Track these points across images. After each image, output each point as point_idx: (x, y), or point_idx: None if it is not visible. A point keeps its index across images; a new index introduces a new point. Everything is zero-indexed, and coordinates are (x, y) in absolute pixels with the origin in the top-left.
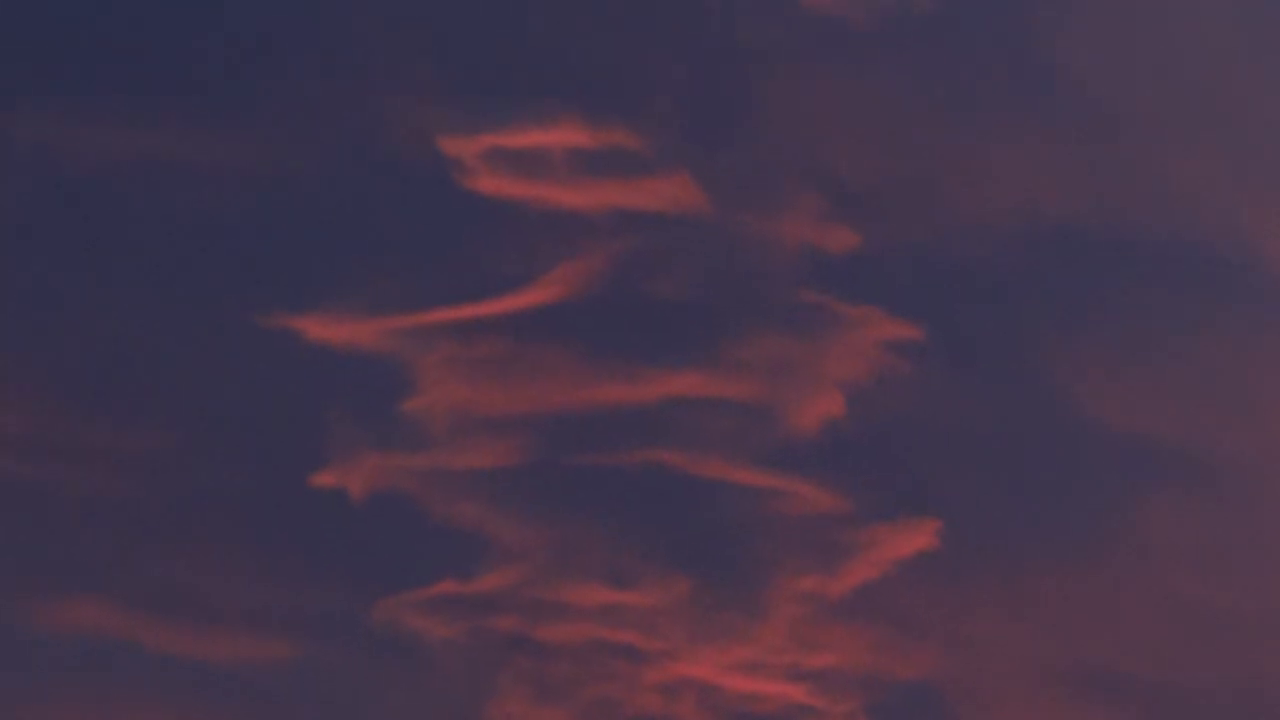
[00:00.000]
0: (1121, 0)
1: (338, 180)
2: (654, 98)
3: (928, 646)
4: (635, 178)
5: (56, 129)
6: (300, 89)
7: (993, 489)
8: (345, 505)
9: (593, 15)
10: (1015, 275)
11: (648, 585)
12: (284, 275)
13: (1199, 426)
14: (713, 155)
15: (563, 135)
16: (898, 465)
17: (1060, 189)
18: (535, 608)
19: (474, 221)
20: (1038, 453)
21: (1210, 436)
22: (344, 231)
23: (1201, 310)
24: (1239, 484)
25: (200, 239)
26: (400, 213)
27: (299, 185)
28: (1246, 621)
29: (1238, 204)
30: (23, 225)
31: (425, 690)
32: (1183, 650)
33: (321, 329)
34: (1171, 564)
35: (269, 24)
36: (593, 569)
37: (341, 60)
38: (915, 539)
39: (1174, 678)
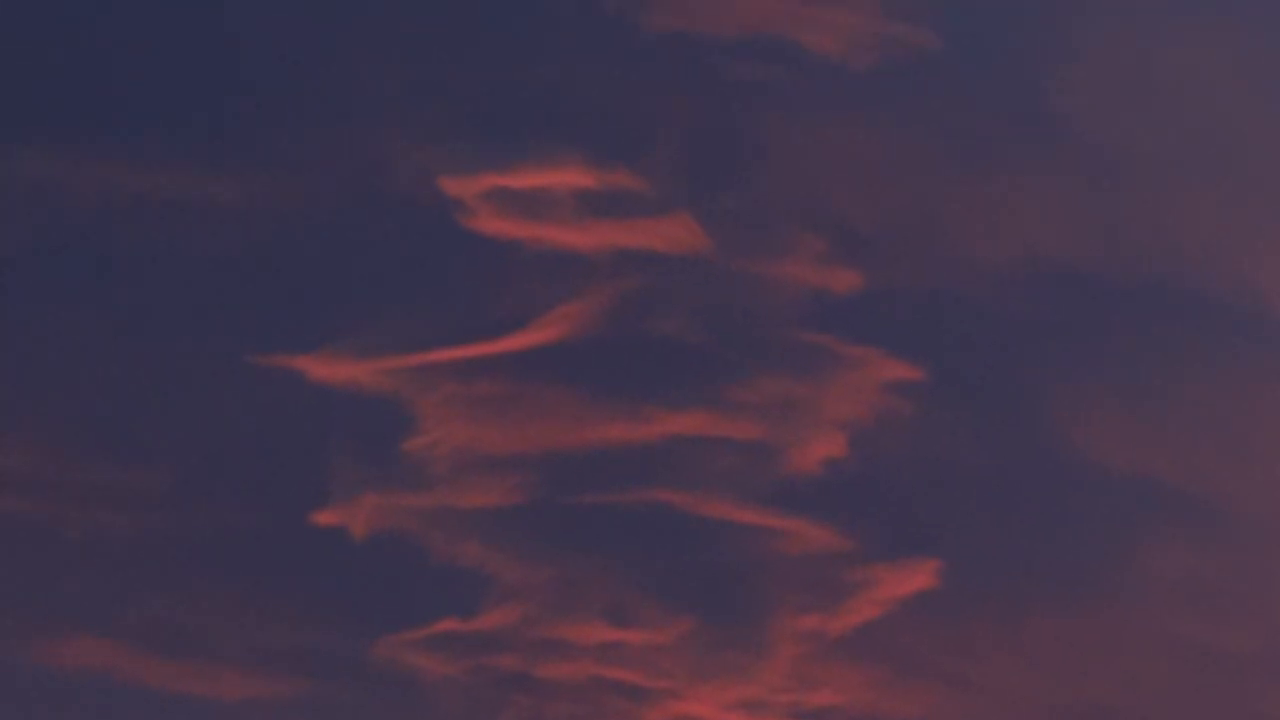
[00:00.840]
0: (1128, 45)
1: (339, 220)
2: (656, 139)
3: (928, 685)
4: (637, 218)
5: (57, 168)
6: (301, 128)
7: (994, 529)
8: (346, 544)
9: (596, 58)
10: (1017, 317)
11: (649, 623)
12: (285, 315)
13: (1200, 469)
14: (715, 196)
15: (565, 176)
16: (899, 505)
17: (1063, 232)
18: (536, 646)
19: (475, 261)
20: (1039, 493)
21: (1211, 479)
22: (345, 271)
23: (1204, 354)
24: (1240, 526)
25: (201, 279)
26: (401, 252)
27: (299, 225)
28: (1248, 663)
29: (1241, 249)
30: (22, 263)
31: None
32: (1184, 691)
33: (322, 369)
34: (1172, 605)
35: (270, 64)
36: (594, 607)
37: (343, 100)
38: (916, 578)
39: (1174, 717)
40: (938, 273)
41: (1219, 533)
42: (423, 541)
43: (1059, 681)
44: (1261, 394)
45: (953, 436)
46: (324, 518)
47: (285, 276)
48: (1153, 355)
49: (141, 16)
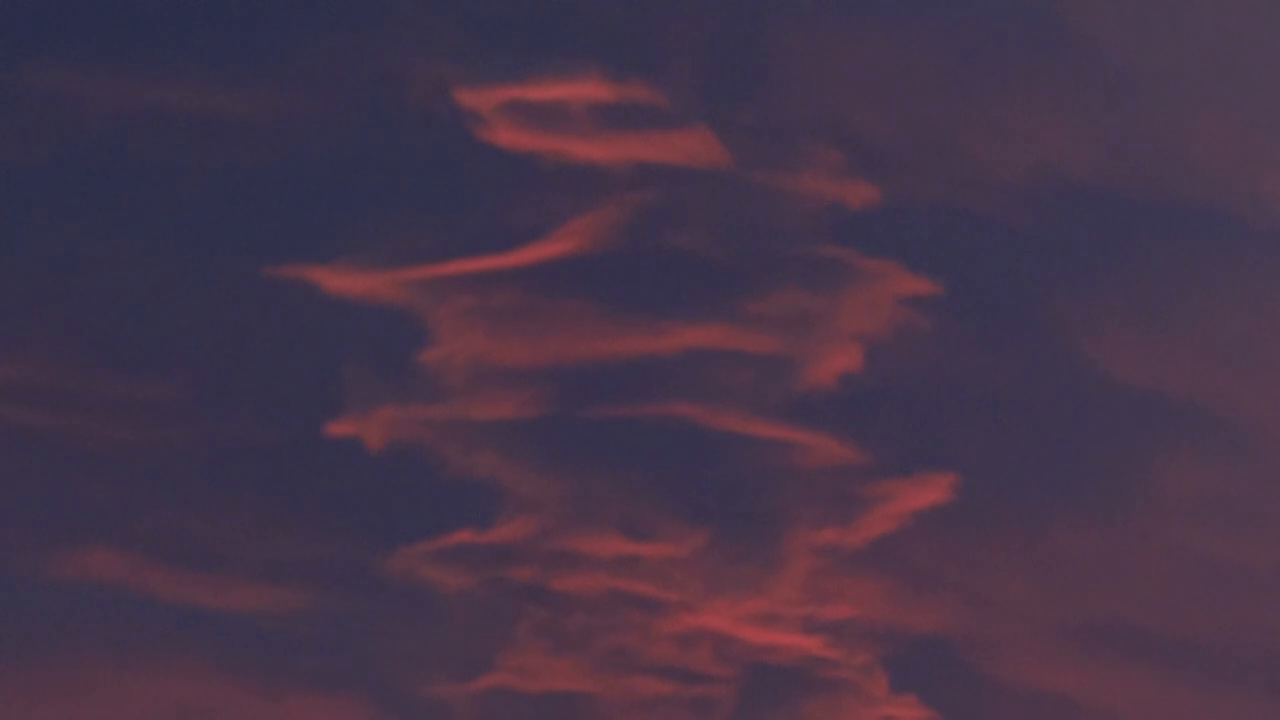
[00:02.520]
0: None
1: (355, 132)
2: (674, 52)
3: (943, 599)
4: (655, 131)
5: (71, 82)
6: (318, 41)
7: (1008, 443)
8: (361, 456)
9: None
10: (1034, 232)
11: (664, 537)
12: (301, 227)
13: (1214, 383)
14: (733, 110)
15: (582, 89)
16: (914, 419)
17: (1079, 147)
18: (551, 559)
19: (492, 174)
20: (1053, 408)
21: (1225, 393)
22: (361, 183)
23: (1218, 268)
24: (1253, 439)
25: (216, 191)
26: (417, 164)
27: (316, 137)
28: (1260, 575)
29: (1255, 164)
30: (37, 178)
31: (441, 640)
32: (1196, 604)
33: (338, 280)
34: (1185, 518)
35: None
36: (609, 520)
37: (359, 12)
38: (931, 492)
39: (1187, 631)
40: (954, 187)
41: (1233, 447)
42: (438, 453)
43: (1073, 595)
44: (1276, 309)
45: (968, 351)
46: (338, 429)
47: (300, 188)
48: (1168, 271)
49: None
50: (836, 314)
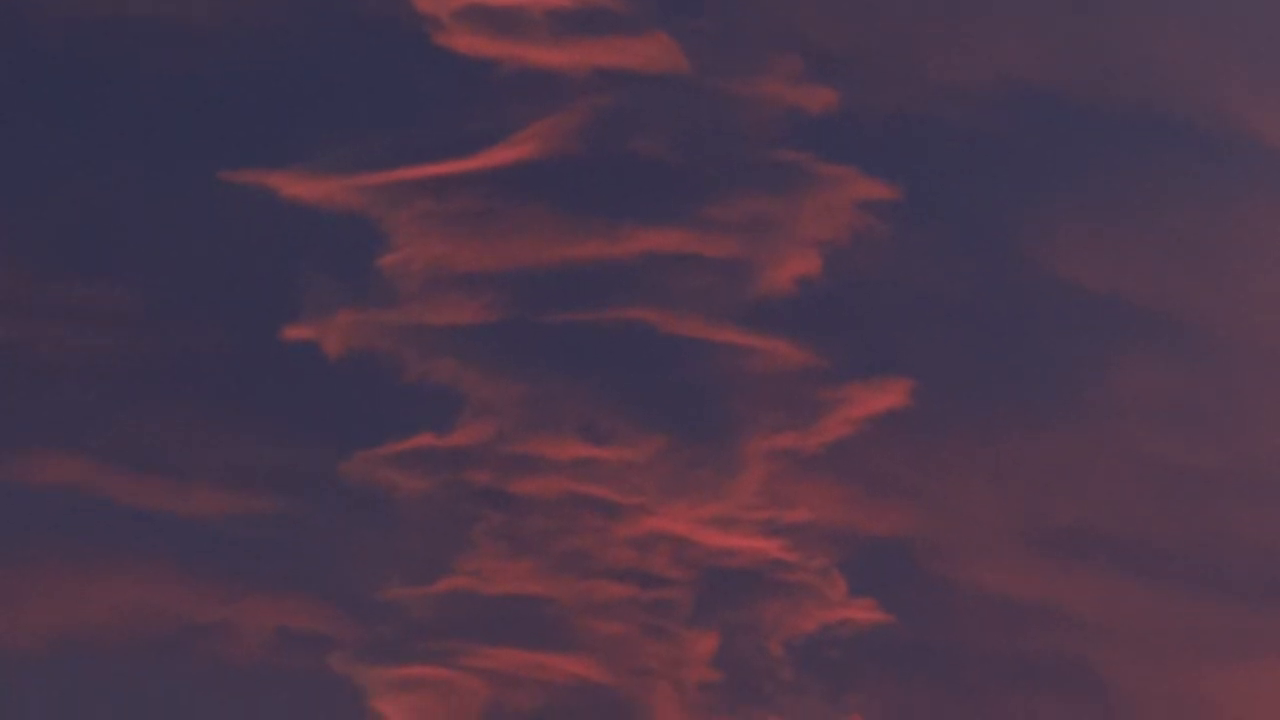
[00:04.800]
0: None
1: (312, 37)
2: None
3: (900, 503)
4: (613, 37)
5: None
6: None
7: (966, 348)
8: (320, 361)
9: None
10: (991, 138)
11: (622, 441)
12: (258, 132)
13: (1171, 289)
14: (691, 15)
15: None
16: (872, 324)
17: (1039, 55)
18: (510, 462)
19: (449, 79)
20: (1011, 313)
21: (1180, 298)
22: (319, 89)
23: (1176, 176)
24: (1208, 344)
25: (174, 97)
26: (376, 70)
27: (272, 42)
28: (1215, 479)
29: (1213, 71)
30: None
31: (399, 543)
32: (1152, 507)
33: (295, 186)
34: (1143, 423)
35: None
36: (567, 424)
37: None
38: (888, 397)
39: (1143, 534)
40: (912, 93)
41: (1190, 351)
42: (396, 358)
43: (1029, 499)
44: (1233, 215)
45: (925, 256)
46: (296, 334)
47: (258, 94)
48: (1125, 177)
49: None
50: (794, 219)
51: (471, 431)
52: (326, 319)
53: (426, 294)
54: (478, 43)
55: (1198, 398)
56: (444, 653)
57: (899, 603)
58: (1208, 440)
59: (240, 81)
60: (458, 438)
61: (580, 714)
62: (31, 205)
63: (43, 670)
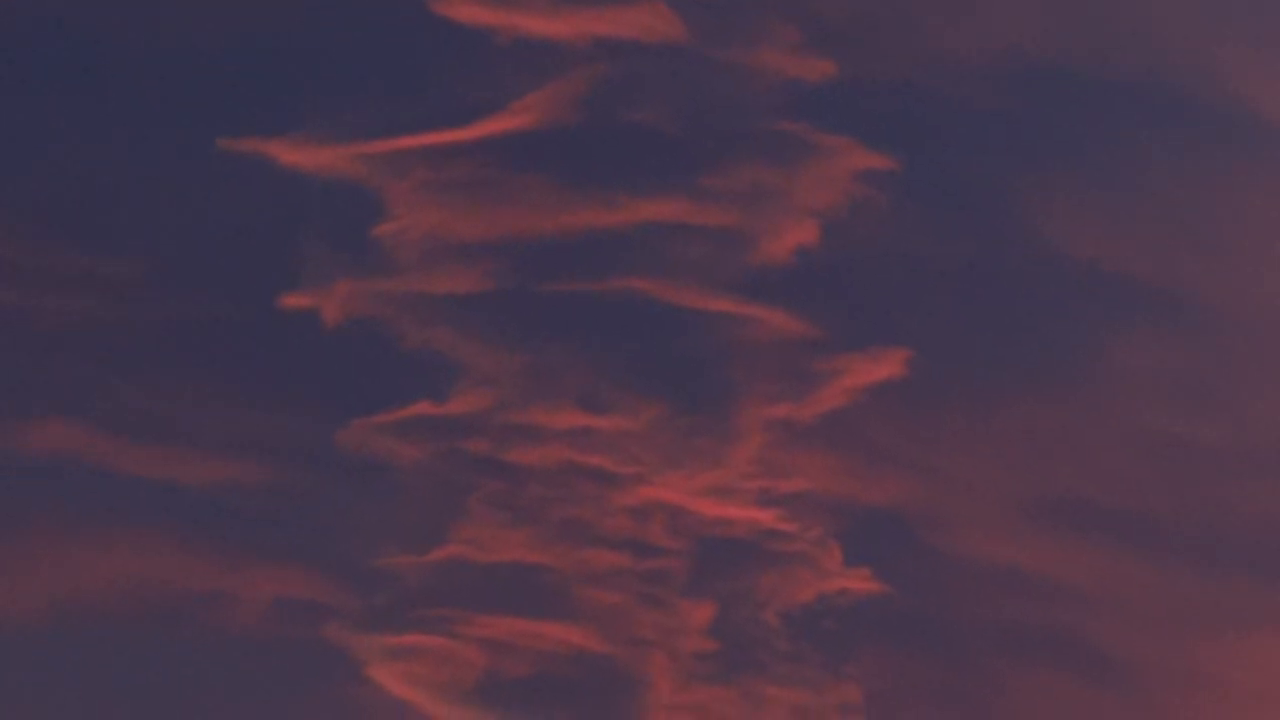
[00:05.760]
0: None
1: (310, 5)
2: None
3: (896, 473)
4: (611, 6)
5: None
6: None
7: (963, 319)
8: (318, 330)
9: None
10: (991, 109)
11: (619, 410)
12: (257, 100)
13: (1170, 263)
14: None
15: None
16: (870, 294)
17: (1039, 27)
18: (507, 431)
19: (449, 48)
20: (1009, 285)
21: (1179, 271)
22: (317, 56)
23: (1174, 148)
24: (1207, 317)
25: (171, 64)
26: (374, 38)
27: (271, 10)
28: (1213, 452)
29: (1213, 44)
30: None
31: (396, 512)
32: (1148, 479)
33: (293, 154)
34: (1140, 397)
35: None
36: (565, 393)
37: None
38: (885, 367)
39: (1139, 506)
40: (911, 64)
41: (1187, 324)
42: (394, 327)
43: (1026, 470)
44: (1232, 190)
45: (923, 227)
46: (294, 302)
47: (256, 62)
48: (1125, 150)
49: None
50: (792, 189)
51: (469, 400)
52: (324, 288)
53: (424, 263)
54: (476, 12)
55: (1196, 370)
56: (440, 621)
57: (895, 573)
58: (1206, 413)
59: (239, 49)
60: (455, 406)
61: (576, 682)
62: (29, 173)
63: (39, 639)
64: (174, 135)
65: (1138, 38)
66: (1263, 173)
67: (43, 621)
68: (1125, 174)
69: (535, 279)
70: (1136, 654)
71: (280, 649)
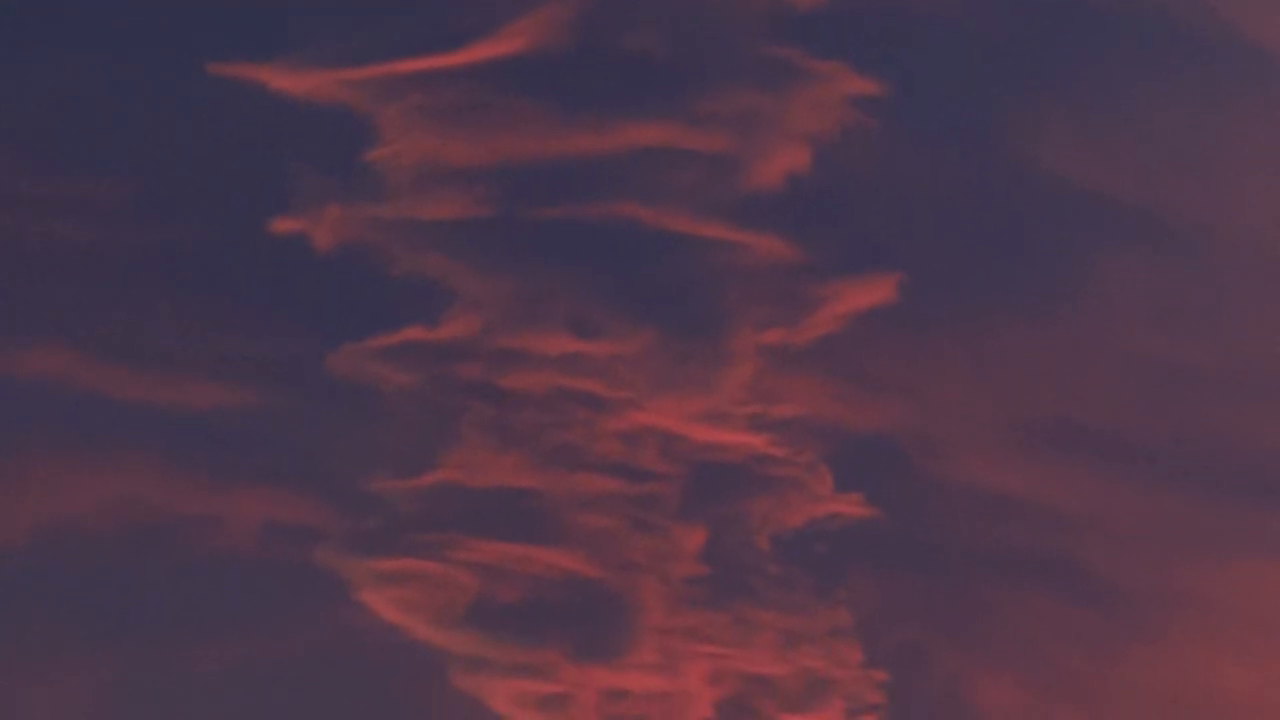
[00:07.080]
0: None
1: None
2: None
3: (887, 398)
4: None
5: None
6: None
7: (954, 244)
8: (308, 254)
9: None
10: (982, 35)
11: (611, 335)
12: (245, 25)
13: (1158, 186)
14: None
15: None
16: (861, 219)
17: None
18: (498, 356)
19: None
20: (999, 209)
21: (1169, 196)
22: None
23: (1163, 72)
24: (1198, 241)
25: None
26: None
27: None
28: (1202, 376)
29: None
30: None
31: (387, 436)
32: (1139, 404)
33: (283, 79)
34: (1130, 320)
35: None
36: (556, 318)
37: None
38: (876, 293)
39: (1130, 431)
40: None
41: (1178, 248)
42: (385, 252)
43: (1017, 395)
44: (1221, 114)
45: (914, 152)
46: (285, 227)
47: None
48: (1113, 74)
49: None
50: (784, 114)
51: (460, 325)
52: (315, 212)
53: (415, 188)
54: None
55: (1186, 294)
56: (431, 545)
57: (886, 498)
58: (1196, 336)
59: None
60: (446, 331)
61: (567, 607)
62: (17, 99)
63: (28, 562)
64: (165, 60)
65: None
66: (1252, 97)
67: (32, 545)
68: (1115, 98)
69: (526, 204)
70: (1125, 577)
71: (270, 573)
